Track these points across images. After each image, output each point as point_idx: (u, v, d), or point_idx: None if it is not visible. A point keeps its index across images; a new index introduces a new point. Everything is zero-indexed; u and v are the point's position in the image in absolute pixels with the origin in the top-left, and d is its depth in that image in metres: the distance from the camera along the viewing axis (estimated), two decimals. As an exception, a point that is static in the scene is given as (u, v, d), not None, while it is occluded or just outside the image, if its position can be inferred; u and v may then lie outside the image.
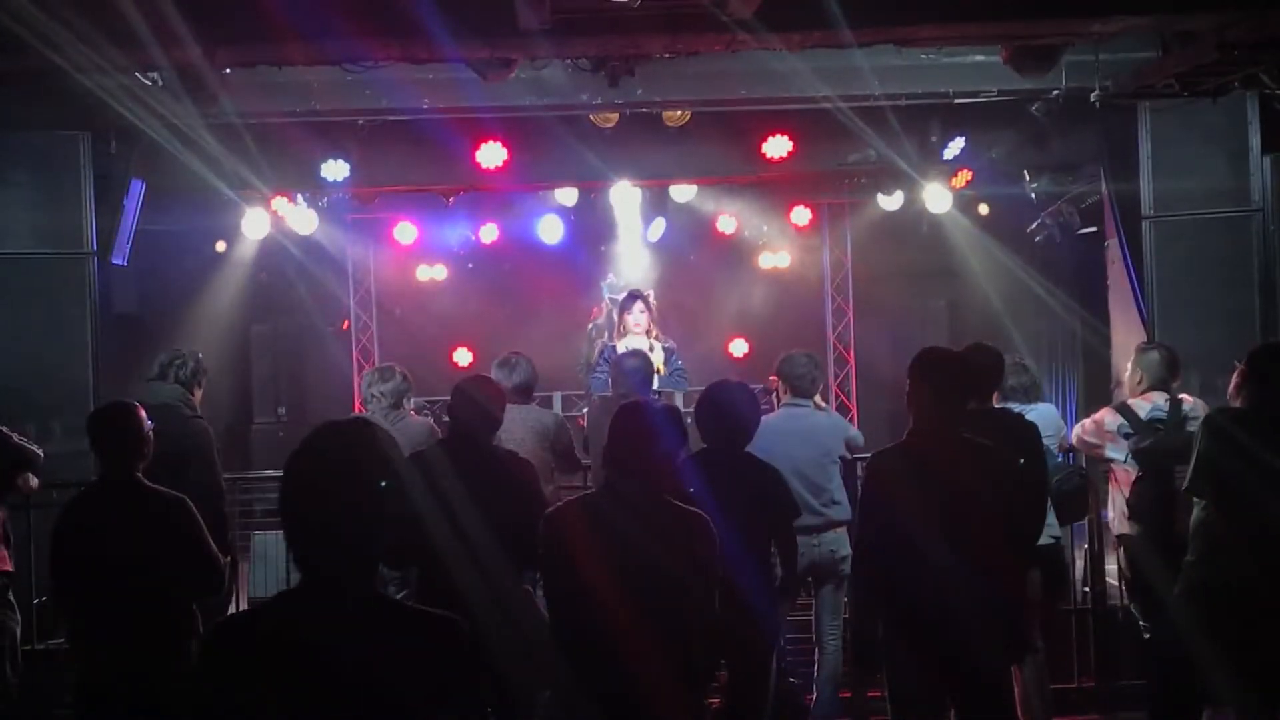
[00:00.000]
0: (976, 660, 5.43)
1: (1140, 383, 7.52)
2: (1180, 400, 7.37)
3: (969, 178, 12.70)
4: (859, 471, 8.52)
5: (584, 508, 4.83)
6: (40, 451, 7.88)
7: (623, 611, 4.40)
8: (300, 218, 13.55)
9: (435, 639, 2.97)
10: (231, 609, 8.21)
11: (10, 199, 9.92)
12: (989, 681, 5.53)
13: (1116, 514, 7.60)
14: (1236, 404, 6.34)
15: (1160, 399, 7.38)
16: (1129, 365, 7.78)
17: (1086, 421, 7.76)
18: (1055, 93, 10.04)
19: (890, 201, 13.79)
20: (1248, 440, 5.98)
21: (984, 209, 13.76)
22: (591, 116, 10.97)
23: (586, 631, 4.51)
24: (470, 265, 15.54)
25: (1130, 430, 7.32)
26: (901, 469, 5.60)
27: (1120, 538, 7.52)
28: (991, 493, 5.52)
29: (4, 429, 7.70)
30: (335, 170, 11.41)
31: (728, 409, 6.45)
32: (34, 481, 7.71)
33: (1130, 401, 7.54)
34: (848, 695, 8.23)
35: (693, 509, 4.76)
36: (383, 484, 2.96)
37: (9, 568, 7.85)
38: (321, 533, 2.96)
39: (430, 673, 2.92)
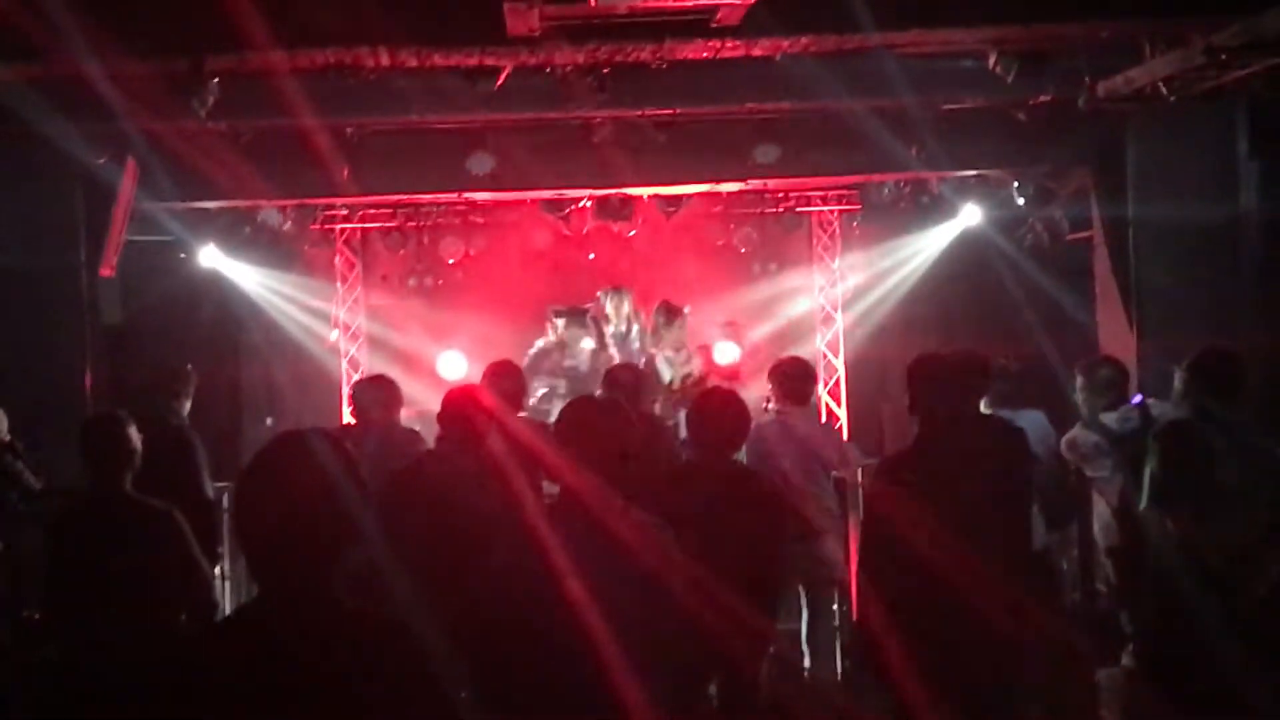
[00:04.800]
0: (993, 673, 5.43)
1: (1099, 398, 7.49)
2: (1148, 407, 7.33)
3: (957, 184, 12.72)
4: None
5: (536, 521, 4.74)
6: (38, 487, 7.92)
7: (585, 621, 4.33)
8: (288, 226, 13.56)
9: (388, 644, 2.98)
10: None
11: (2, 210, 9.90)
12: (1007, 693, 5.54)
13: (1102, 526, 7.60)
14: (1182, 411, 6.27)
15: (1129, 410, 7.36)
16: (1077, 383, 7.71)
17: (1065, 439, 7.75)
18: (1043, 98, 10.04)
19: (879, 207, 13.83)
20: (1212, 448, 5.95)
21: (973, 214, 13.76)
22: (580, 123, 10.97)
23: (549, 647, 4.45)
24: (461, 274, 15.51)
25: (1107, 446, 7.30)
26: (907, 476, 5.60)
27: (1109, 550, 7.51)
28: (1005, 490, 5.55)
29: (10, 456, 7.78)
30: (325, 179, 11.38)
31: (717, 418, 6.42)
32: None
33: (1101, 417, 7.50)
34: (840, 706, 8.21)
35: (647, 517, 4.67)
36: (329, 496, 2.98)
37: None
38: (270, 547, 2.99)
39: (389, 677, 2.93)
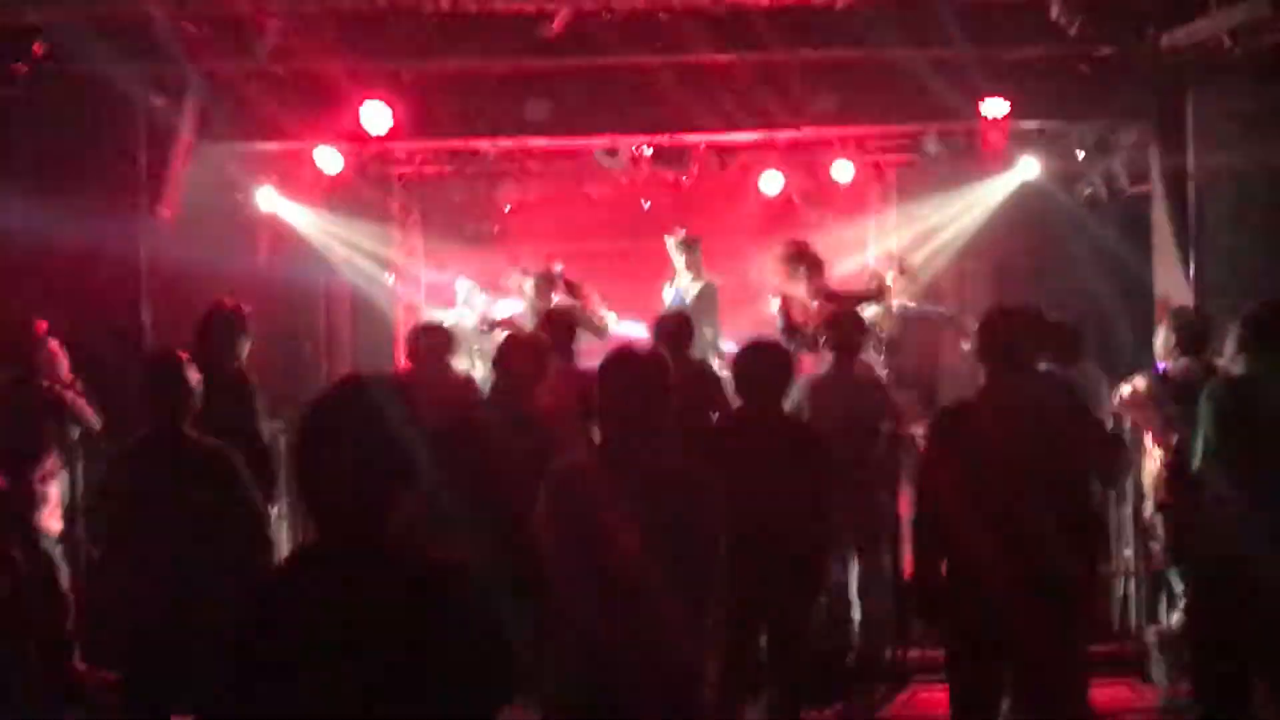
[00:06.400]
0: (1040, 616, 5.44)
1: (1174, 348, 7.44)
2: (1214, 365, 7.28)
3: (1013, 135, 12.63)
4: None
5: (580, 467, 4.79)
6: (97, 422, 8.06)
7: (619, 570, 4.38)
8: (346, 170, 13.61)
9: (447, 586, 3.03)
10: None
11: (61, 151, 9.96)
12: (1053, 637, 5.54)
13: (1152, 481, 7.58)
14: (1236, 368, 6.22)
15: (1195, 363, 7.31)
16: (1160, 329, 7.70)
17: (1125, 387, 7.71)
18: (1105, 50, 9.93)
19: (936, 158, 13.73)
20: (1268, 405, 5.90)
21: (1030, 167, 13.64)
22: (637, 70, 10.92)
23: (580, 595, 4.49)
24: (517, 221, 15.54)
25: (1164, 395, 7.26)
26: (969, 423, 5.62)
27: (1161, 506, 7.48)
28: (1062, 445, 5.55)
29: (70, 394, 7.92)
30: (378, 121, 11.37)
31: (761, 367, 6.44)
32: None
33: (1164, 368, 7.47)
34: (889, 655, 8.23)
35: (693, 465, 4.71)
36: (387, 441, 3.04)
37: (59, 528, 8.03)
38: (332, 485, 3.05)
39: (444, 619, 2.98)
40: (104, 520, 6.44)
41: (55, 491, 8.11)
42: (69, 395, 8.18)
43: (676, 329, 8.38)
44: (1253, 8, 8.67)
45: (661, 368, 4.73)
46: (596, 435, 6.87)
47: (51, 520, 8.03)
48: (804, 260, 10.08)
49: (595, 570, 4.41)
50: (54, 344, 8.36)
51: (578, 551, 4.48)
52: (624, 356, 4.80)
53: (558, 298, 11.29)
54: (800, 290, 9.94)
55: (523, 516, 4.74)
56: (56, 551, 8.02)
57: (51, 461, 8.09)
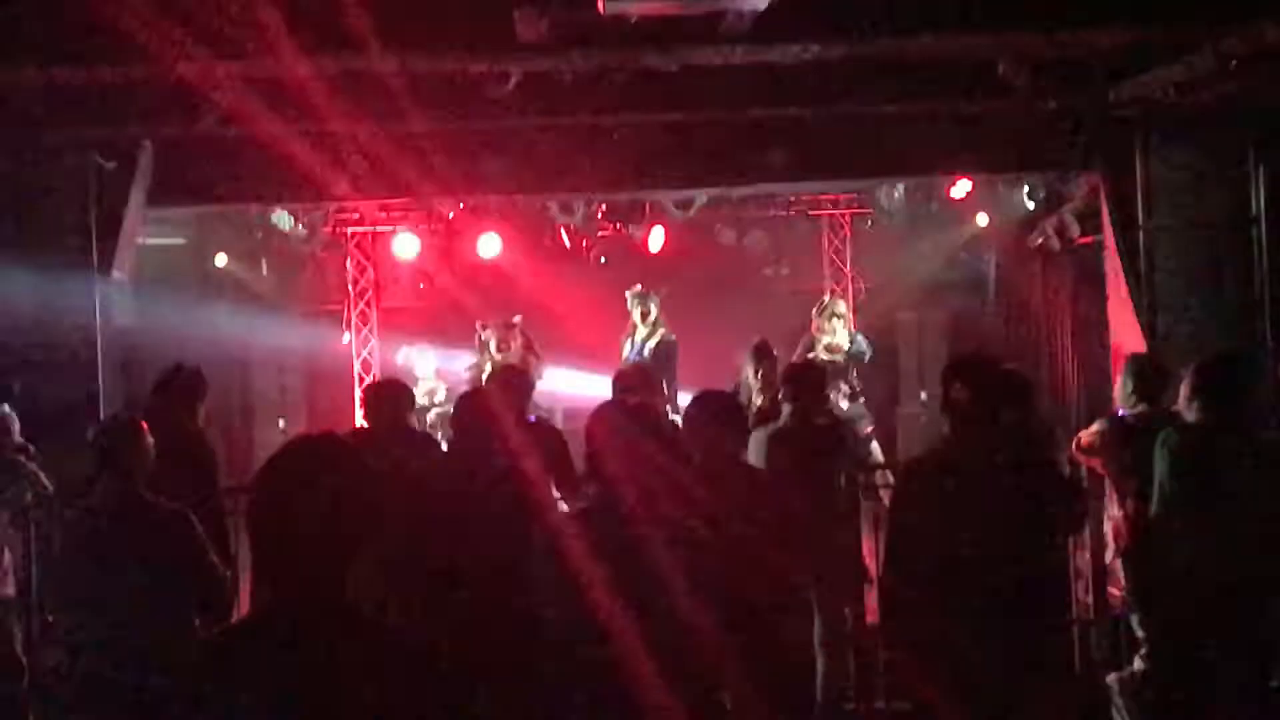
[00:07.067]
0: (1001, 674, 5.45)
1: (1131, 394, 7.52)
2: (1173, 412, 7.34)
3: (968, 189, 12.74)
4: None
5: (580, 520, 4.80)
6: (50, 486, 7.97)
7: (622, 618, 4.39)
8: (300, 229, 13.58)
9: (404, 656, 3.00)
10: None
11: (13, 215, 9.92)
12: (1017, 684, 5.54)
13: (1113, 527, 7.62)
14: (1190, 415, 6.29)
15: (1153, 410, 7.37)
16: (1119, 377, 7.78)
17: (1083, 434, 7.77)
18: (1053, 103, 10.04)
19: (891, 210, 13.85)
20: (1221, 453, 5.97)
21: (983, 219, 13.77)
22: (590, 128, 10.97)
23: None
24: (475, 277, 15.54)
25: (1121, 441, 7.32)
26: (934, 478, 5.62)
27: (1121, 553, 7.52)
28: (1021, 497, 5.57)
29: (23, 459, 7.82)
30: (337, 182, 11.38)
31: (718, 418, 6.42)
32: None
33: (1123, 414, 7.53)
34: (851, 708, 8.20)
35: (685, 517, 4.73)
36: (341, 502, 3.01)
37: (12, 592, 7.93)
38: (286, 547, 3.01)
39: (403, 690, 2.95)
40: (58, 584, 6.37)
41: (8, 556, 8.02)
42: (21, 459, 8.11)
43: (637, 383, 8.35)
44: (1197, 63, 8.79)
45: (656, 418, 4.76)
46: (557, 490, 6.85)
47: (4, 585, 7.94)
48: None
49: (603, 619, 4.41)
50: (5, 408, 8.29)
51: (583, 601, 4.49)
52: (618, 409, 4.81)
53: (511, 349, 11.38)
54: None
55: (484, 571, 4.73)
56: (9, 616, 7.92)
57: (3, 527, 8.01)
